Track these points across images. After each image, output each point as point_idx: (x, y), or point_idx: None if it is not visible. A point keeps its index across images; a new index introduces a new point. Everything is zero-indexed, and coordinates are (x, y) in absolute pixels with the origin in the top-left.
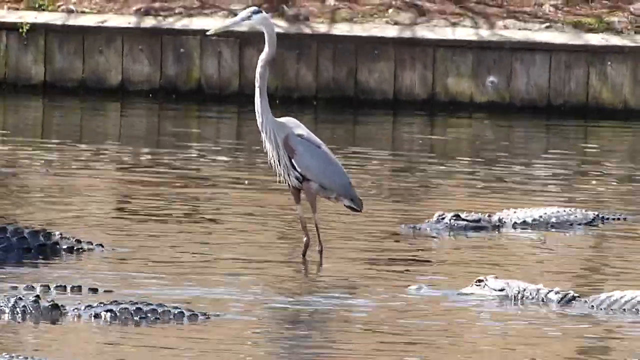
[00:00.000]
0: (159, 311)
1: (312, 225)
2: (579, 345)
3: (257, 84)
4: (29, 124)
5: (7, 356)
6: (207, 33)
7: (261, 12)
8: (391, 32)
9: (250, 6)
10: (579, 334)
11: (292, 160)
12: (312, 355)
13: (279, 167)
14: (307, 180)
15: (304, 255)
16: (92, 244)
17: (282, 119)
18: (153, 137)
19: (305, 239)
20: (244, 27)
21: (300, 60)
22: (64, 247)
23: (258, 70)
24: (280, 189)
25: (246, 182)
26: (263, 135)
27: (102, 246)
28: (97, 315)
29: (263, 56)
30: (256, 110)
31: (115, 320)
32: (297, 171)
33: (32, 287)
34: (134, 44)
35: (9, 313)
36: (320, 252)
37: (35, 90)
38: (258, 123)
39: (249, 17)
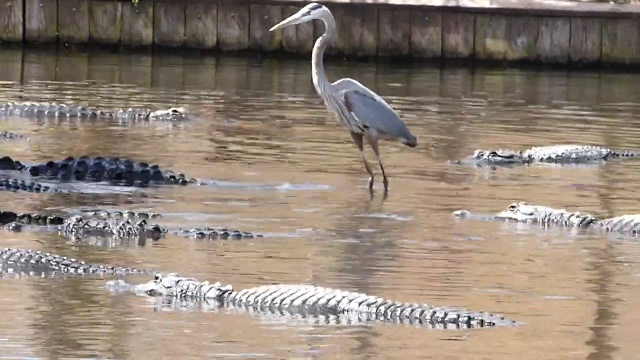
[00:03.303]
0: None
1: (377, 164)
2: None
3: (314, 61)
4: (141, 78)
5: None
6: (270, 29)
7: (320, 6)
8: (439, 1)
9: (313, 3)
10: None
11: (352, 113)
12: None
13: (343, 121)
14: (367, 128)
15: (370, 187)
16: (184, 176)
17: (338, 82)
18: (242, 88)
19: (370, 177)
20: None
21: (364, 25)
22: (166, 176)
23: (315, 49)
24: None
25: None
26: (325, 101)
27: (195, 180)
28: (189, 236)
29: (321, 39)
30: (314, 84)
31: (202, 239)
32: (357, 121)
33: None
34: (227, 11)
35: (116, 234)
36: (385, 183)
37: (145, 51)
38: (319, 93)
39: (308, 13)
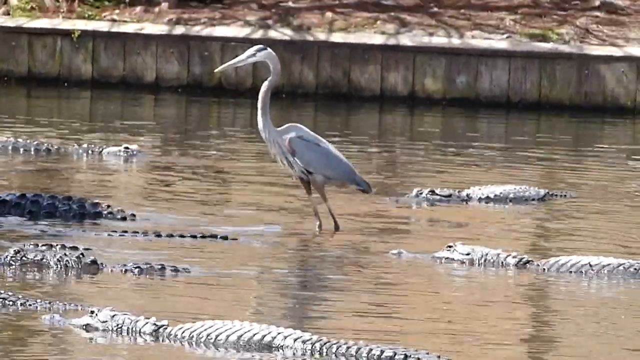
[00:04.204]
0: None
1: (326, 211)
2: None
3: (259, 105)
4: (78, 113)
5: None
6: (215, 70)
7: (265, 49)
8: (379, 40)
9: (257, 44)
10: (530, 289)
11: (295, 158)
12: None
13: (286, 166)
14: (311, 174)
15: (319, 229)
16: (124, 212)
17: (284, 127)
18: (181, 124)
19: (317, 222)
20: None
21: (304, 63)
22: (107, 214)
23: (261, 93)
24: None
25: None
26: (268, 145)
27: (134, 215)
28: (127, 271)
29: (267, 83)
30: (259, 128)
31: (141, 274)
32: (301, 166)
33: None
34: (166, 47)
35: (54, 267)
36: (336, 227)
37: (84, 85)
38: (263, 137)
39: (254, 55)
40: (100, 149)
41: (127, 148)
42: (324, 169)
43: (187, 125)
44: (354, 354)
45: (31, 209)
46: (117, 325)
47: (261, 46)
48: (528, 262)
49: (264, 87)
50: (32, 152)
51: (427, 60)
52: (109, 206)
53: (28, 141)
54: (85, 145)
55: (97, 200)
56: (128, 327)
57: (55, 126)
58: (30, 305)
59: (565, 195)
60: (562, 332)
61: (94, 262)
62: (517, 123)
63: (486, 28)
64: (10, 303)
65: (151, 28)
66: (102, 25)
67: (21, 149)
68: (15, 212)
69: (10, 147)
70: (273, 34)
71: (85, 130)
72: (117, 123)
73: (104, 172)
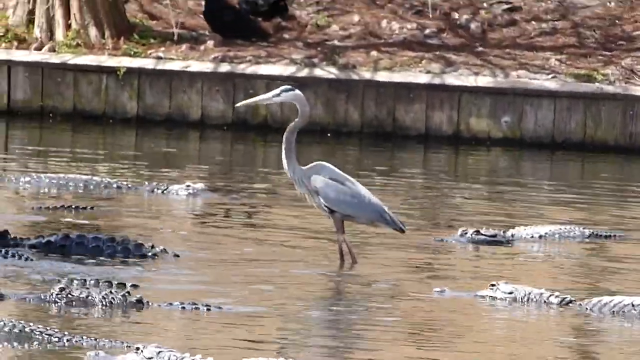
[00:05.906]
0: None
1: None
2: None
3: (284, 146)
4: (124, 151)
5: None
6: (237, 105)
7: (292, 89)
8: (424, 79)
9: (287, 85)
10: (574, 329)
11: (320, 198)
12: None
13: (312, 203)
14: (334, 212)
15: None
16: (167, 252)
17: (310, 165)
18: (227, 162)
19: (352, 261)
20: (275, 102)
21: (349, 101)
22: (149, 253)
23: (286, 134)
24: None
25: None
26: (295, 184)
27: (178, 256)
28: (171, 309)
29: (293, 124)
30: (284, 168)
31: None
32: (325, 205)
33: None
34: (211, 85)
35: (99, 304)
36: (341, 266)
37: (129, 123)
38: (289, 176)
39: (278, 95)
40: (166, 187)
41: (188, 186)
42: (347, 209)
43: (234, 163)
44: None
45: (76, 250)
46: None
47: (288, 86)
48: (571, 301)
49: (290, 128)
50: (103, 189)
51: (472, 100)
52: (152, 247)
53: (101, 178)
54: (155, 183)
55: (140, 241)
56: None
57: (102, 163)
58: (76, 342)
59: (610, 236)
60: None
61: (139, 300)
62: (562, 163)
63: (531, 68)
64: (56, 340)
65: (197, 66)
66: (147, 63)
67: (92, 186)
68: (59, 254)
69: (82, 184)
70: (318, 72)
71: (133, 168)
72: (163, 161)
73: (164, 211)
